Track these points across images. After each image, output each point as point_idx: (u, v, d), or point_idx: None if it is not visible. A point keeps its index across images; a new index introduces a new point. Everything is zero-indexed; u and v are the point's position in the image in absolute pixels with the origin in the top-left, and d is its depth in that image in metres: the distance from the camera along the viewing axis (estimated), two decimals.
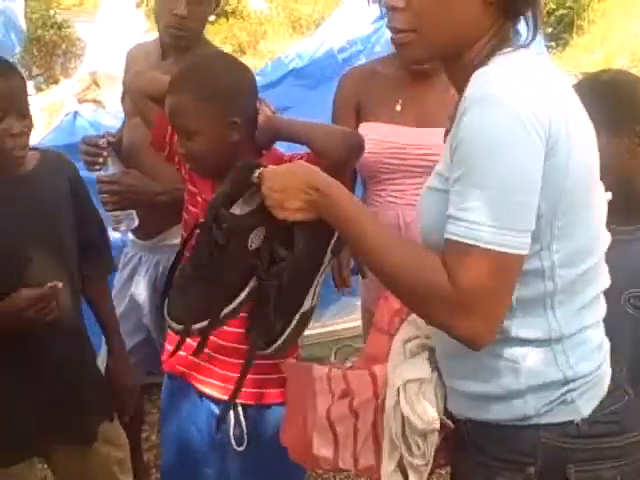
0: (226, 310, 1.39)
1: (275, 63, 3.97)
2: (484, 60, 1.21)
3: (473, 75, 1.17)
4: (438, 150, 1.67)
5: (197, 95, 1.65)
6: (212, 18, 9.14)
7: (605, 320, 1.32)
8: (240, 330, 1.74)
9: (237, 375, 1.62)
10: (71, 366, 1.92)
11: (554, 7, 10.07)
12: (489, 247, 1.10)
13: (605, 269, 1.30)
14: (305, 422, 1.48)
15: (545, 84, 1.17)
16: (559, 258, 1.19)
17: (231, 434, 1.83)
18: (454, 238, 1.12)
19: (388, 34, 3.59)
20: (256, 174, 1.30)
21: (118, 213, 2.25)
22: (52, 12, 10.37)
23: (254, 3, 12.41)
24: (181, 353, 1.87)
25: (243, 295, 1.39)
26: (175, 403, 1.96)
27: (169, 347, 1.96)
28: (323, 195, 1.24)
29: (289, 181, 1.27)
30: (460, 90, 1.25)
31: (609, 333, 1.37)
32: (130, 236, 2.58)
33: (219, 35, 10.18)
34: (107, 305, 2.11)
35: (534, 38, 1.23)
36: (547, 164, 1.13)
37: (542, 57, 1.28)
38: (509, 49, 1.21)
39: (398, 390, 1.32)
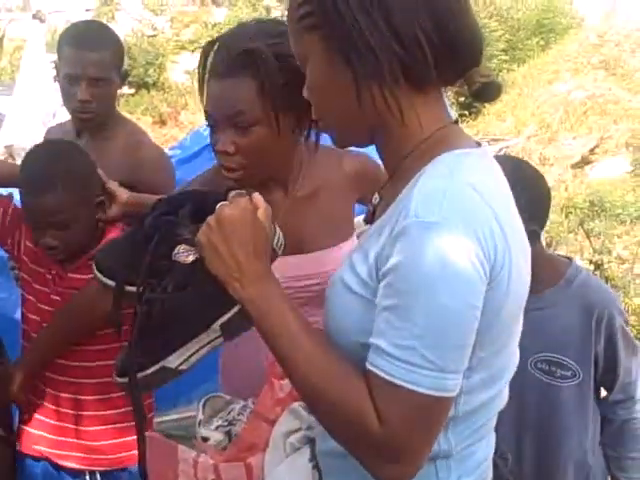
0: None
1: (193, 136, 3.99)
2: (412, 156, 1.12)
3: (413, 190, 1.05)
4: (321, 278, 1.63)
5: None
6: (132, 90, 9.13)
7: (513, 386, 1.26)
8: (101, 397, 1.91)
9: (100, 443, 1.88)
10: None
11: None
12: (428, 392, 1.01)
13: (507, 387, 1.22)
14: None
15: (490, 198, 1.05)
16: (467, 385, 1.09)
17: None
18: (388, 378, 1.02)
19: None
20: (232, 194, 1.17)
21: None
22: None
23: (174, 75, 12.52)
24: (40, 432, 1.96)
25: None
26: None
27: (28, 429, 1.99)
28: (245, 293, 1.12)
29: (238, 235, 1.12)
30: (390, 176, 1.18)
31: (517, 398, 1.37)
32: None
33: (140, 106, 10.22)
34: None
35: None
36: (486, 295, 1.03)
37: (482, 152, 1.15)
38: (446, 147, 1.10)
39: None
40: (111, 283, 1.28)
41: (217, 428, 1.51)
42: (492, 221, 1.04)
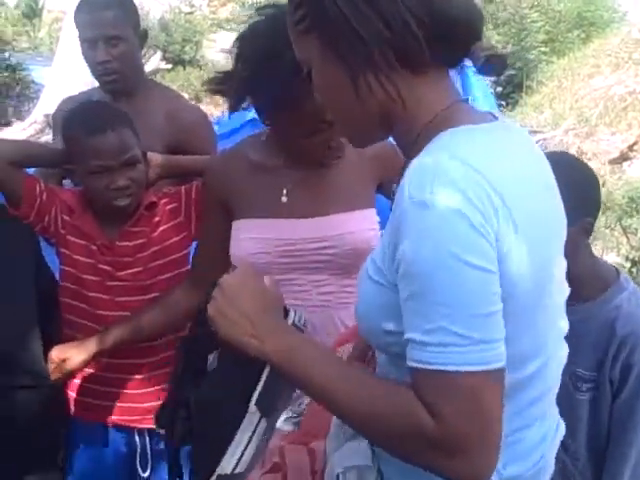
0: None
1: (233, 112, 3.98)
2: (419, 139, 1.10)
3: (408, 169, 1.05)
4: (334, 242, 1.70)
5: None
6: (169, 66, 9.14)
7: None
8: (137, 361, 1.97)
9: (140, 405, 1.95)
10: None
11: None
12: (471, 369, 0.98)
13: (555, 364, 1.19)
14: None
15: (488, 171, 1.02)
16: None
17: (137, 461, 2.01)
18: (426, 367, 0.99)
19: None
20: (231, 268, 1.22)
21: None
22: (7, 54, 10.32)
23: (211, 54, 12.53)
24: (89, 399, 2.02)
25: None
26: (87, 446, 2.05)
27: (78, 397, 2.04)
28: (267, 346, 1.12)
29: (243, 296, 1.16)
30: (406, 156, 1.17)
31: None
32: None
33: (176, 82, 10.22)
34: None
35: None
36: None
37: (490, 127, 1.12)
38: (449, 126, 1.08)
39: (338, 476, 1.23)
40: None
41: (286, 420, 1.52)
42: (490, 192, 1.01)
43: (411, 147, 1.12)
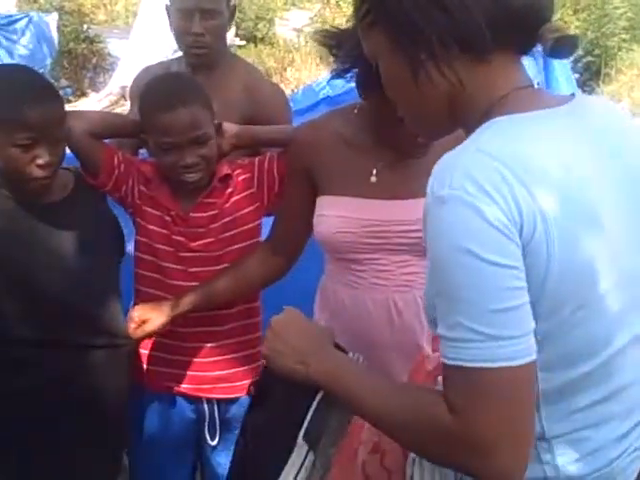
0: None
1: (306, 90, 4.00)
2: (478, 127, 1.08)
3: (437, 162, 1.04)
4: (420, 225, 1.68)
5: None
6: (242, 42, 9.22)
7: None
8: (208, 329, 1.95)
9: (210, 373, 1.96)
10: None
11: (582, 54, 10.12)
12: (486, 365, 0.96)
13: (635, 360, 1.13)
14: (345, 468, 1.41)
15: (514, 162, 0.99)
16: (542, 360, 1.00)
17: (206, 429, 2.00)
18: (447, 362, 0.98)
19: None
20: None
21: None
22: (85, 27, 10.54)
23: (283, 32, 12.57)
24: (159, 368, 1.99)
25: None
26: (155, 413, 2.04)
27: (144, 351, 2.02)
28: (311, 368, 1.16)
29: (290, 330, 1.23)
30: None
31: None
32: None
33: (248, 59, 10.32)
34: None
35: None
36: (524, 263, 0.99)
37: (552, 113, 1.08)
38: (499, 114, 1.06)
39: (414, 461, 1.23)
40: None
41: None
42: (513, 184, 0.97)
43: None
